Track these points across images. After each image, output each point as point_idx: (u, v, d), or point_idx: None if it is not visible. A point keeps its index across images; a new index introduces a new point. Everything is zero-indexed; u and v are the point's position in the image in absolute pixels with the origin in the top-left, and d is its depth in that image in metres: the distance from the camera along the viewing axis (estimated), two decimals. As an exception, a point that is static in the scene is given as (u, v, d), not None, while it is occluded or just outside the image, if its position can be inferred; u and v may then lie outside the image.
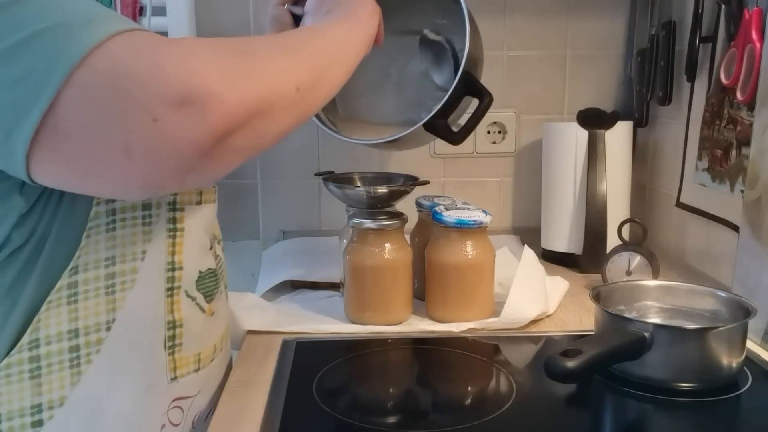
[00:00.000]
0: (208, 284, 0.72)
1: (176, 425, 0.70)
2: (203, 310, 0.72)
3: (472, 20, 0.89)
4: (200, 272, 0.71)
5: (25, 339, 0.60)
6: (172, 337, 0.68)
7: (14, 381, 0.60)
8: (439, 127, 0.88)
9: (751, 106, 0.92)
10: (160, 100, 0.48)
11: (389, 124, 0.98)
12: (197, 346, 0.71)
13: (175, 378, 0.69)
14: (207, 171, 0.53)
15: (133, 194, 0.58)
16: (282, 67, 0.57)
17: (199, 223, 0.70)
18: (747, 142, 0.93)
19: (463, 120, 0.91)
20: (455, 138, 0.89)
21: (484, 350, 0.85)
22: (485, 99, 0.87)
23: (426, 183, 1.05)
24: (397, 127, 0.93)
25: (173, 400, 0.69)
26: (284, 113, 0.56)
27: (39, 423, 0.61)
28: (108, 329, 0.63)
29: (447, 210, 0.91)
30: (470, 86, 0.87)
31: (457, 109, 0.91)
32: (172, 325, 0.68)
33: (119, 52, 0.48)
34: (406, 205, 1.00)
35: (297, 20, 0.96)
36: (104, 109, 0.48)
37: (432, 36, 0.97)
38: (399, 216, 0.92)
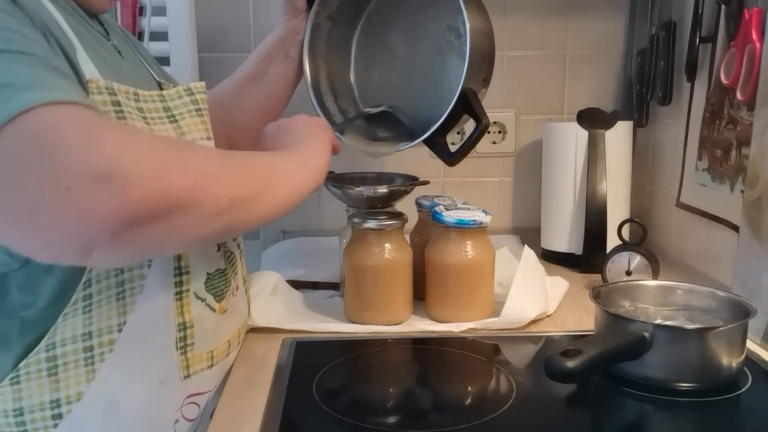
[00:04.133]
0: (218, 284, 0.74)
1: (191, 420, 0.72)
2: (214, 310, 0.73)
3: (477, 35, 0.88)
4: (208, 274, 0.72)
5: (43, 344, 0.64)
6: (184, 338, 0.70)
7: (33, 378, 0.64)
8: (437, 144, 0.88)
9: (751, 106, 0.92)
10: (78, 170, 0.47)
11: (394, 135, 0.99)
12: (210, 343, 0.73)
13: (189, 375, 0.71)
14: (117, 253, 0.52)
15: (34, 253, 0.54)
16: (218, 172, 0.58)
17: None
18: (747, 142, 0.92)
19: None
20: (451, 159, 0.89)
21: (484, 350, 0.85)
22: (480, 124, 0.85)
23: (426, 183, 1.04)
24: (400, 138, 0.95)
25: (188, 396, 0.71)
26: (214, 217, 0.55)
27: (58, 416, 0.65)
28: (119, 331, 0.65)
29: (447, 210, 0.91)
30: (468, 107, 0.86)
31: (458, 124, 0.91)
32: (183, 327, 0.70)
33: (54, 117, 0.49)
34: (406, 205, 1.00)
35: (311, 6, 0.96)
36: (23, 164, 0.48)
37: (374, 111, 0.98)
38: (399, 216, 0.92)
